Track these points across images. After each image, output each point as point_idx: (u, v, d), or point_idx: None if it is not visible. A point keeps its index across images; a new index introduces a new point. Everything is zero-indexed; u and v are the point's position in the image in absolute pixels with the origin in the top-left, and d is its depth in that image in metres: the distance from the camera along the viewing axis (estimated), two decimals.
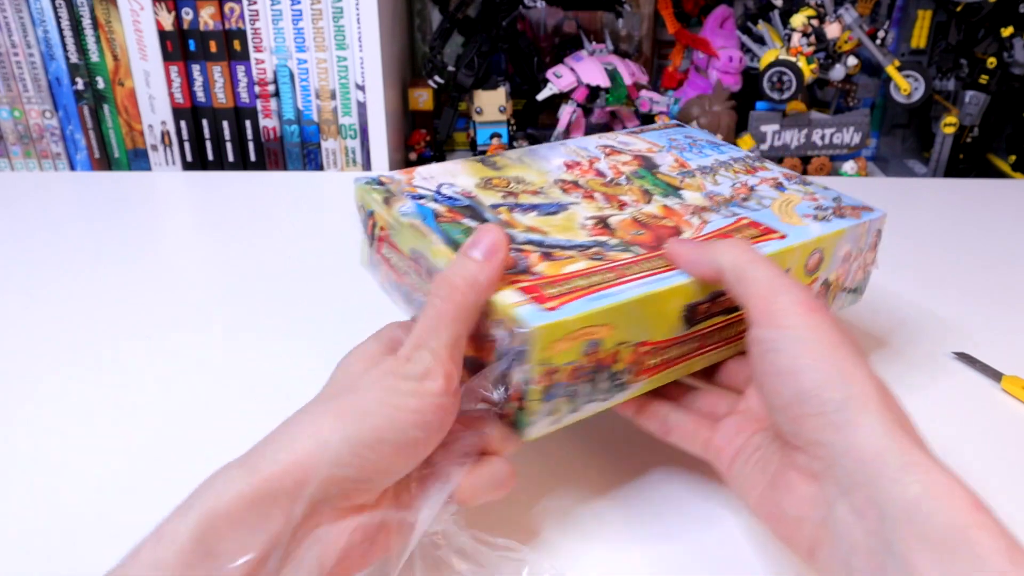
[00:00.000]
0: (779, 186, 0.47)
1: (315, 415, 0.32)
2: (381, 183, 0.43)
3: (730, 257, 0.35)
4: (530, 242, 0.38)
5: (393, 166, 0.86)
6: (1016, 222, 0.74)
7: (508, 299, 0.34)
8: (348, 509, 0.31)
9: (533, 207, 0.41)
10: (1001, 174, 0.88)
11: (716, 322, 0.39)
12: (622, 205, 0.43)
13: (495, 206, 0.41)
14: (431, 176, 0.44)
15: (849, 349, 0.32)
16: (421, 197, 0.42)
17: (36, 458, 0.44)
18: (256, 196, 0.80)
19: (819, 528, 0.31)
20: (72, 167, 0.86)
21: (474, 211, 0.40)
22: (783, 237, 0.41)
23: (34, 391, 0.49)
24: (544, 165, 0.47)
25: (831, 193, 0.47)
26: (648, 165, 0.48)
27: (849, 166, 0.88)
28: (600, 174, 0.46)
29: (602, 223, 0.41)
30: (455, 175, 0.45)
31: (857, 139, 0.86)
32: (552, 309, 0.33)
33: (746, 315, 0.35)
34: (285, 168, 0.87)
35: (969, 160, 0.88)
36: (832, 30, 0.82)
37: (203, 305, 0.59)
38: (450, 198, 0.42)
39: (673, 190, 0.45)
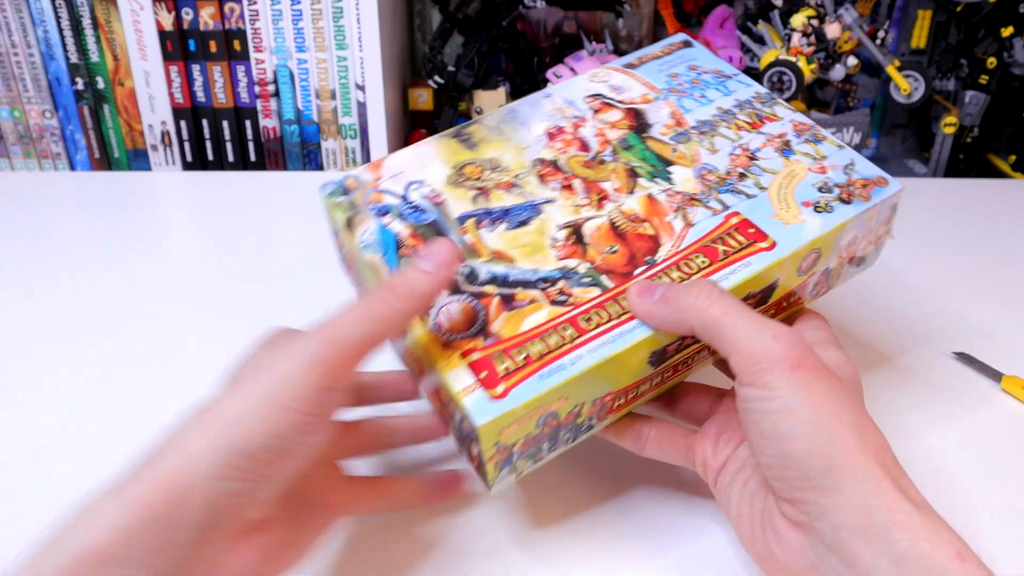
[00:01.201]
0: (786, 147, 0.42)
1: (185, 427, 0.29)
2: (346, 190, 0.42)
3: (697, 315, 0.33)
4: (493, 279, 0.37)
5: None
6: (1016, 222, 0.74)
7: (457, 383, 0.33)
8: (241, 529, 0.29)
9: (504, 214, 0.40)
10: (1001, 174, 0.88)
11: (688, 352, 0.38)
12: (602, 199, 0.40)
13: (463, 218, 0.40)
14: (400, 171, 0.42)
15: (837, 407, 0.31)
16: (386, 210, 0.40)
17: (36, 458, 0.44)
18: (256, 196, 0.80)
19: (810, 573, 0.31)
20: (72, 167, 0.86)
21: (439, 231, 0.39)
22: (771, 247, 0.37)
23: (34, 391, 0.49)
24: (524, 136, 0.44)
25: (845, 156, 0.42)
26: (640, 126, 0.44)
27: None
28: (584, 147, 0.43)
29: (575, 235, 0.39)
30: (426, 164, 0.42)
31: (857, 139, 0.86)
32: (499, 397, 0.32)
33: (729, 365, 0.33)
34: (285, 168, 0.87)
35: (969, 160, 0.88)
36: (832, 30, 0.82)
37: (203, 305, 0.59)
38: (416, 209, 0.40)
39: (663, 166, 0.42)
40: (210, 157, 0.86)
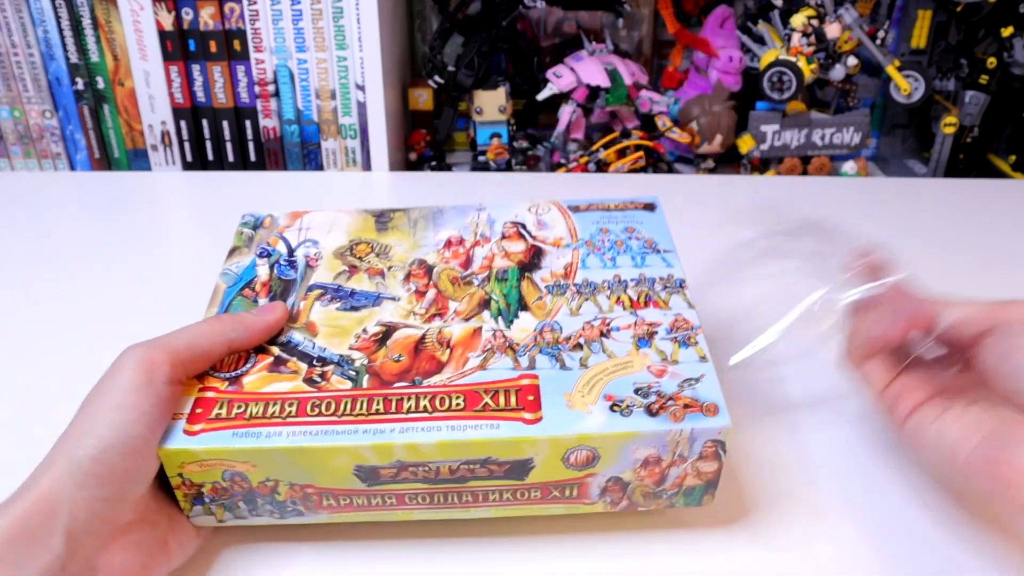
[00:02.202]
0: (645, 339, 0.39)
1: (55, 448, 0.33)
2: (258, 225, 0.49)
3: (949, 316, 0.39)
4: (287, 344, 0.40)
5: (393, 166, 0.86)
6: (1016, 222, 0.74)
7: (179, 407, 0.37)
8: (114, 532, 0.33)
9: (348, 295, 0.43)
10: (1001, 174, 0.88)
11: (416, 487, 0.36)
12: (438, 315, 0.42)
13: (313, 287, 0.44)
14: (309, 227, 0.48)
15: None
16: (268, 254, 0.46)
17: (36, 458, 0.44)
18: (256, 196, 0.80)
19: None
20: (72, 167, 0.86)
21: (286, 291, 0.44)
22: (533, 422, 0.35)
23: (34, 391, 0.49)
24: (427, 237, 0.47)
25: (699, 370, 0.38)
26: (528, 265, 0.45)
27: (849, 166, 0.88)
28: (466, 264, 0.45)
29: (383, 335, 0.41)
30: (332, 230, 0.48)
31: (857, 139, 0.86)
32: (191, 434, 0.35)
33: (972, 351, 0.38)
34: (285, 168, 0.87)
35: (969, 160, 0.88)
36: (832, 30, 0.82)
37: (203, 305, 0.60)
38: (290, 264, 0.46)
39: (515, 309, 0.42)
40: (210, 157, 0.86)
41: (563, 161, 0.88)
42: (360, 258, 0.46)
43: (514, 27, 0.89)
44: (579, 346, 0.39)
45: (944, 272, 0.64)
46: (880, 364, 0.40)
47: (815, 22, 0.81)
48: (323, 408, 0.36)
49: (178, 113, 0.84)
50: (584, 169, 0.86)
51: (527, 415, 0.35)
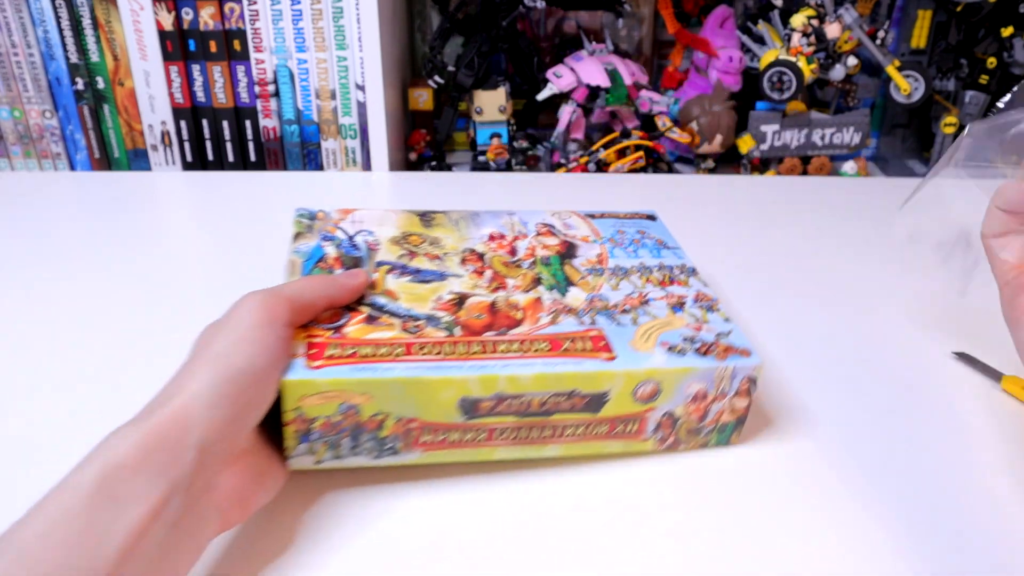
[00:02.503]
0: (678, 306, 0.46)
1: (185, 370, 0.35)
2: (313, 217, 0.51)
3: None
4: (372, 304, 0.43)
5: (393, 166, 0.86)
6: None
7: (293, 348, 0.39)
8: (231, 456, 0.35)
9: (415, 271, 0.47)
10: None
11: (507, 422, 0.40)
12: (499, 287, 0.46)
13: (381, 263, 0.47)
14: (361, 221, 0.51)
15: None
16: (330, 239, 0.49)
17: (36, 459, 0.44)
18: (256, 196, 0.80)
19: None
20: (72, 167, 0.87)
21: (358, 262, 0.47)
22: (610, 359, 0.41)
23: (34, 390, 0.49)
24: (472, 232, 0.52)
25: (726, 327, 0.45)
26: (567, 254, 0.51)
27: (849, 166, 0.88)
28: (512, 252, 0.50)
29: (458, 301, 0.44)
30: (383, 224, 0.51)
31: (857, 139, 0.86)
32: (314, 368, 0.38)
33: None
34: (285, 168, 0.87)
35: None
36: (832, 30, 0.82)
37: (203, 305, 0.59)
38: (352, 246, 0.49)
39: (565, 285, 0.47)
40: (210, 157, 0.86)
41: (563, 161, 0.88)
42: (415, 246, 0.49)
43: (514, 27, 0.89)
44: (626, 311, 0.45)
45: (944, 272, 0.65)
46: (1015, 239, 0.41)
47: (815, 22, 0.81)
48: (429, 349, 0.40)
49: (178, 113, 0.84)
50: (584, 169, 0.86)
51: (603, 355, 0.41)
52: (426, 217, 0.53)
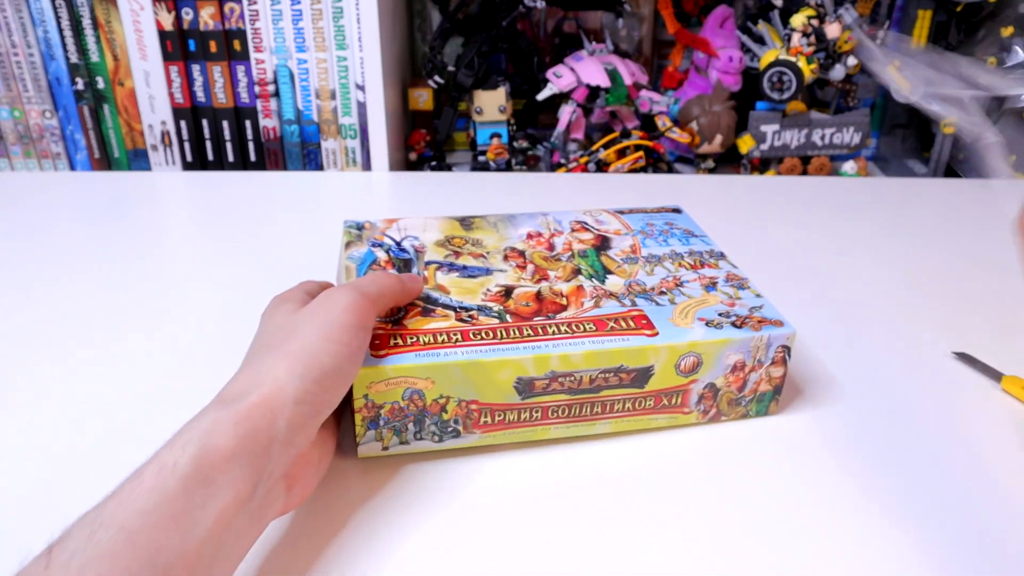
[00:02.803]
0: (711, 286, 0.49)
1: (270, 360, 0.36)
2: (361, 227, 0.54)
3: None
4: (428, 298, 0.46)
5: (393, 166, 0.86)
6: None
7: None
8: (304, 447, 0.36)
9: (462, 268, 0.50)
10: None
11: (559, 400, 0.43)
12: (542, 279, 0.49)
13: (430, 263, 0.50)
14: (405, 228, 0.54)
15: None
16: (379, 245, 0.52)
17: (37, 458, 0.44)
18: (256, 196, 0.80)
19: None
20: (72, 167, 0.87)
21: (408, 264, 0.50)
22: (653, 335, 0.44)
23: (34, 390, 0.49)
24: (510, 233, 0.55)
25: (758, 302, 0.48)
26: (602, 246, 0.53)
27: (849, 166, 0.88)
28: (550, 247, 0.53)
29: (505, 292, 0.47)
30: (427, 230, 0.55)
31: (857, 139, 0.86)
32: (379, 356, 0.41)
33: None
34: (285, 168, 0.87)
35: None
36: (832, 30, 0.82)
37: (203, 305, 0.60)
38: (402, 249, 0.52)
39: (603, 274, 0.50)
40: (210, 157, 0.86)
41: (563, 161, 0.88)
42: (459, 247, 0.52)
43: (514, 27, 0.89)
44: (663, 292, 0.48)
45: (944, 272, 0.65)
46: None
47: (815, 22, 0.81)
48: (485, 334, 0.43)
49: (178, 113, 0.84)
50: (584, 169, 0.86)
51: (646, 332, 0.44)
52: (466, 221, 0.56)
